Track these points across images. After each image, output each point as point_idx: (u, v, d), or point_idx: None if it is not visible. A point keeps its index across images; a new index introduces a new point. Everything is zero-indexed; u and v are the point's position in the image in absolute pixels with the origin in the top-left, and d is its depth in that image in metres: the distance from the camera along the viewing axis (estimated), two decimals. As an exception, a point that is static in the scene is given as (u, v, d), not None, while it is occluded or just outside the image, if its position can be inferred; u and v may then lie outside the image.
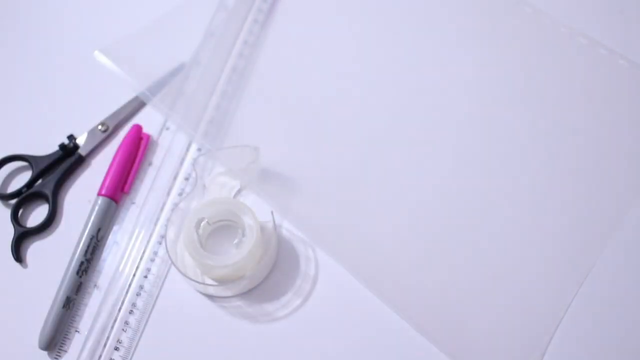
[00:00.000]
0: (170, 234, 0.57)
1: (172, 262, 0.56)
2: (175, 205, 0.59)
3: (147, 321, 0.57)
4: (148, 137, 0.65)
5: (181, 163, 0.63)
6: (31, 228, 0.60)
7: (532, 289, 0.57)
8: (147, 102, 0.66)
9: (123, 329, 0.56)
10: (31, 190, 0.62)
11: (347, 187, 0.61)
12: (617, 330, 0.55)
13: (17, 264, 0.59)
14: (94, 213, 0.60)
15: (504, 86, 0.66)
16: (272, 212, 0.57)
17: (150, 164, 0.64)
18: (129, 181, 0.62)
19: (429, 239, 0.59)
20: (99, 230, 0.60)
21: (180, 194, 0.62)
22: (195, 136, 0.64)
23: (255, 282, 0.57)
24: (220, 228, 0.59)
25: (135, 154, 0.63)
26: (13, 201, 0.62)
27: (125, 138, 0.64)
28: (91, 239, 0.59)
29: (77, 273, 0.58)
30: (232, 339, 0.56)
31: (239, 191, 0.61)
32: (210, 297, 0.57)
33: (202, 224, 0.56)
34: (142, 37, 0.69)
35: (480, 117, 0.64)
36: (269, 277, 0.58)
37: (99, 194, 0.61)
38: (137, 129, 0.64)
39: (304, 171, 0.62)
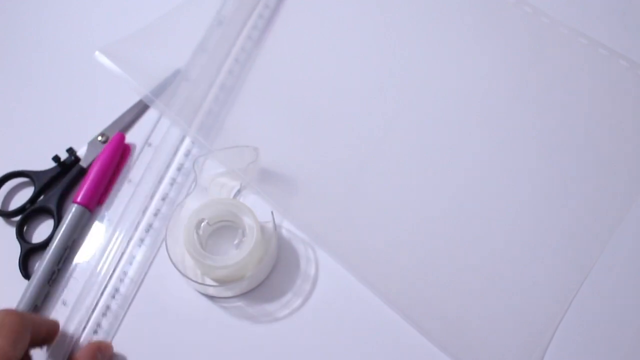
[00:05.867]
0: (170, 235, 0.57)
1: (173, 263, 0.56)
2: (178, 205, 0.59)
3: (145, 322, 0.57)
4: (130, 148, 0.65)
5: (167, 168, 0.63)
6: (38, 244, 0.60)
7: (533, 289, 0.57)
8: (149, 104, 0.66)
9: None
10: (35, 206, 0.61)
11: (347, 187, 0.62)
12: (617, 329, 0.55)
13: (26, 281, 0.58)
14: (67, 221, 0.60)
15: (503, 86, 0.66)
16: (272, 213, 0.57)
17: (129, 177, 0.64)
18: (107, 191, 0.63)
19: (429, 238, 0.59)
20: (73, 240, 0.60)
21: (163, 199, 0.62)
22: (196, 136, 0.64)
23: (255, 283, 0.57)
24: (221, 229, 0.59)
25: (116, 164, 0.64)
26: (17, 218, 0.61)
27: (106, 147, 0.63)
28: (65, 249, 0.59)
29: (48, 282, 0.57)
30: (232, 340, 0.56)
31: (239, 191, 0.61)
32: (210, 297, 0.57)
33: (202, 225, 0.56)
34: (142, 37, 0.69)
35: (479, 116, 0.65)
36: (270, 278, 0.58)
37: (74, 202, 0.61)
38: (120, 138, 0.64)
39: (304, 171, 0.62)
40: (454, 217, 0.60)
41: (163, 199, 0.62)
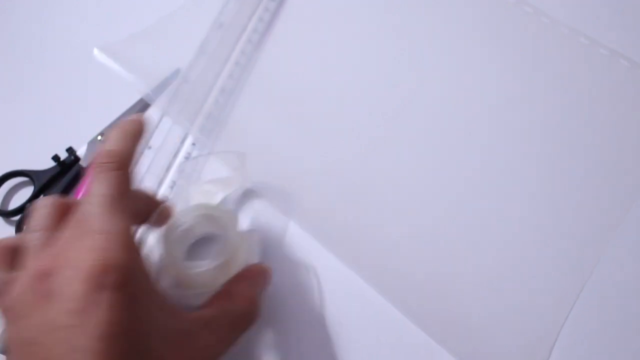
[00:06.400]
0: (151, 240, 0.55)
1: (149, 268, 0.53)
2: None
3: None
4: None
5: (167, 170, 0.63)
6: (37, 244, 0.60)
7: (537, 288, 0.56)
8: (149, 102, 0.65)
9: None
10: (35, 206, 0.61)
11: (349, 188, 0.61)
12: (622, 329, 0.55)
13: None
14: None
15: (503, 86, 0.66)
16: (253, 232, 0.56)
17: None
18: None
19: (433, 238, 0.59)
20: None
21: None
22: (198, 135, 0.64)
23: None
24: (202, 236, 0.58)
25: None
26: (17, 217, 0.61)
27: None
28: None
29: None
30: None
31: (224, 199, 0.59)
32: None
33: (182, 231, 0.54)
34: (143, 37, 0.69)
35: (480, 117, 0.64)
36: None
37: None
38: None
39: (304, 174, 0.62)
40: (457, 217, 0.60)
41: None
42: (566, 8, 0.69)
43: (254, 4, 0.71)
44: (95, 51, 0.65)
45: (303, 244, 0.59)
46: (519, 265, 0.57)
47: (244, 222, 0.58)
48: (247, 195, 0.60)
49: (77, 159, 0.63)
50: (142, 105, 0.66)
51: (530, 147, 0.62)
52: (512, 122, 0.64)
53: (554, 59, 0.67)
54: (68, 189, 0.62)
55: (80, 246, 0.40)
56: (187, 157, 0.63)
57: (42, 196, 0.62)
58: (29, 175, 0.62)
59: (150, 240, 0.55)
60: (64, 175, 0.62)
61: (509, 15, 0.70)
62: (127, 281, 0.39)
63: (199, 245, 0.58)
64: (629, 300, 0.56)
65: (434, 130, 0.64)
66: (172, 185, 0.62)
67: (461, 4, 0.71)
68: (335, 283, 0.57)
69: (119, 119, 0.65)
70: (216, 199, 0.59)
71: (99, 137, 0.64)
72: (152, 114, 0.66)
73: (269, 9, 0.71)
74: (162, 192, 0.61)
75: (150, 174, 0.62)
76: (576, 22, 0.68)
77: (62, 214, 0.44)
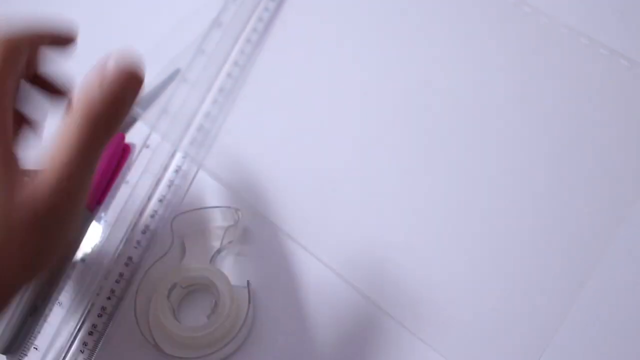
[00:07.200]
0: (141, 293, 0.56)
1: (140, 330, 0.54)
2: (156, 262, 0.58)
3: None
4: (129, 148, 0.64)
5: (164, 170, 0.63)
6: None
7: (532, 291, 0.56)
8: (137, 118, 0.65)
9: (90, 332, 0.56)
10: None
11: (344, 194, 0.61)
12: (618, 333, 0.54)
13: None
14: None
15: (502, 86, 0.66)
16: (247, 282, 0.55)
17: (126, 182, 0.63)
18: (106, 190, 0.62)
19: (427, 241, 0.59)
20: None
21: (160, 200, 0.61)
22: (195, 135, 0.64)
23: (228, 351, 0.55)
24: (194, 292, 0.57)
25: (116, 164, 0.63)
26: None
27: (105, 146, 0.63)
28: None
29: (47, 282, 0.57)
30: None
31: (218, 252, 0.58)
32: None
33: (175, 288, 0.55)
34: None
35: (478, 117, 0.64)
36: (244, 345, 0.56)
37: None
38: (119, 138, 0.64)
39: (302, 178, 0.62)
40: (452, 217, 0.60)
41: (160, 200, 0.61)
42: (566, 8, 0.69)
43: (254, 4, 0.71)
44: None
45: (276, 311, 0.58)
46: (517, 268, 0.57)
47: (237, 274, 0.58)
48: (243, 245, 0.60)
49: (76, 160, 0.63)
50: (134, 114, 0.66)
51: (527, 148, 0.62)
52: (511, 122, 0.64)
53: (553, 60, 0.67)
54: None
55: None
56: (185, 157, 0.63)
57: None
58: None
59: (142, 297, 0.56)
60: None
61: (509, 15, 0.69)
62: None
63: (189, 302, 0.57)
64: (627, 304, 0.55)
65: (431, 132, 0.64)
66: (170, 185, 0.62)
67: (460, 4, 0.71)
68: (324, 290, 0.57)
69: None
70: (211, 251, 0.58)
71: (99, 137, 0.64)
72: (150, 114, 0.66)
73: (268, 9, 0.71)
74: (159, 192, 0.62)
75: (147, 173, 0.62)
76: (576, 22, 0.68)
77: None
